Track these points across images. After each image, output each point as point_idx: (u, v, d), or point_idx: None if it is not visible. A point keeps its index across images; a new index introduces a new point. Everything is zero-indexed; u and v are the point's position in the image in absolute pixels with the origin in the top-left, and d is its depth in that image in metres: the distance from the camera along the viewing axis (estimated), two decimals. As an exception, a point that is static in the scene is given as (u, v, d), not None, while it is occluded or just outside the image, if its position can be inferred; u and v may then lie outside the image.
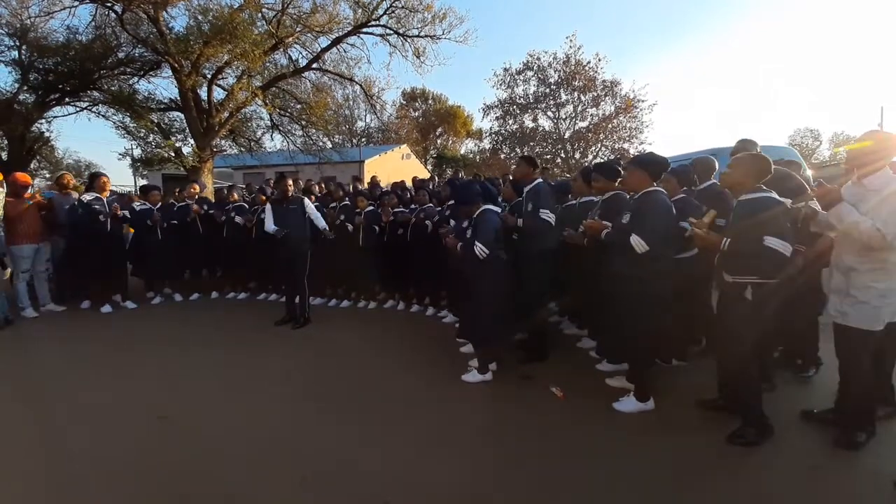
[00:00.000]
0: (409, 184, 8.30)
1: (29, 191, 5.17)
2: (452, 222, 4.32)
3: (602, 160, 23.04)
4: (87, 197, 5.10)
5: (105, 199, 5.23)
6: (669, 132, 64.61)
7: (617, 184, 3.27)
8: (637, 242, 2.55)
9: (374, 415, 2.82)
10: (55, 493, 2.10)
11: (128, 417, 2.78)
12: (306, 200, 4.71)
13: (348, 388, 3.21)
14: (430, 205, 5.16)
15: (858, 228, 2.09)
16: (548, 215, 3.37)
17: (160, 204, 5.76)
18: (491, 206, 3.28)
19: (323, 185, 7.19)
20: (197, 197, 6.19)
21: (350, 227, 5.13)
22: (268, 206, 4.72)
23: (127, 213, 5.48)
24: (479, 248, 3.05)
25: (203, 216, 5.80)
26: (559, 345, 3.91)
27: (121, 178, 24.82)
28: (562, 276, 3.68)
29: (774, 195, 2.28)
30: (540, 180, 3.57)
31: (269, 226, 4.57)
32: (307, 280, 4.72)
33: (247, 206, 5.86)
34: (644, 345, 2.74)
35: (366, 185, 7.67)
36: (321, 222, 4.74)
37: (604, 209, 3.27)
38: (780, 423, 2.42)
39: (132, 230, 5.84)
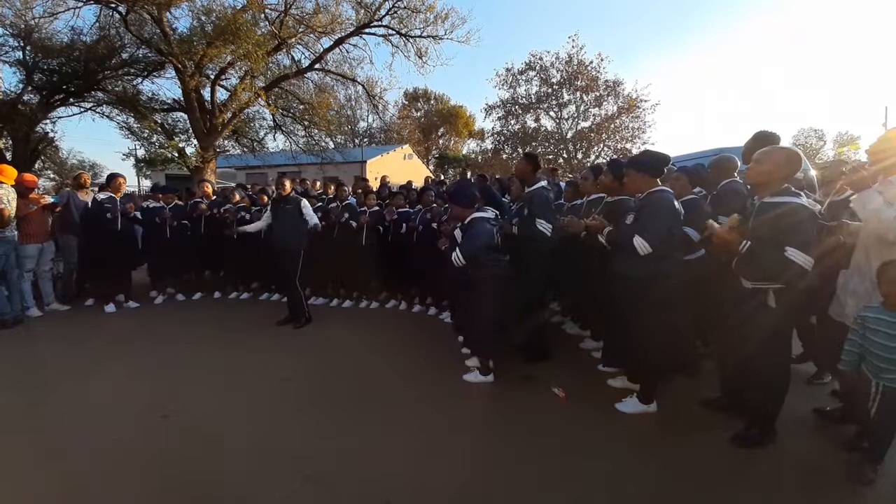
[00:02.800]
0: (416, 184, 8.32)
1: (34, 192, 5.22)
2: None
3: (606, 160, 23.07)
4: (100, 196, 5.22)
5: (117, 199, 5.30)
6: (672, 132, 64.41)
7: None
8: (640, 244, 2.50)
9: (375, 414, 2.82)
10: (56, 492, 2.10)
11: (130, 416, 2.78)
12: (303, 201, 4.72)
13: (349, 388, 3.21)
14: (435, 205, 5.16)
15: (879, 216, 2.07)
16: (543, 226, 3.30)
17: (174, 203, 5.80)
18: (483, 215, 3.19)
19: (320, 185, 7.20)
20: (213, 198, 6.20)
21: (354, 224, 5.14)
22: (268, 211, 4.81)
23: (138, 213, 5.54)
24: (456, 256, 3.03)
25: (208, 216, 5.82)
26: (561, 345, 3.91)
27: (126, 177, 24.93)
28: (564, 277, 3.66)
29: (804, 200, 2.13)
30: (542, 184, 3.49)
31: (250, 227, 4.89)
32: (308, 279, 4.73)
33: (248, 214, 5.68)
34: (649, 349, 2.66)
35: (374, 186, 7.67)
36: (313, 220, 4.74)
37: (607, 211, 3.22)
38: (784, 425, 2.41)
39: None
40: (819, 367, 3.13)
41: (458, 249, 3.05)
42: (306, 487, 2.10)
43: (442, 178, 11.83)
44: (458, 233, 3.31)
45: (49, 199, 5.44)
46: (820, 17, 69.79)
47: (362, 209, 5.25)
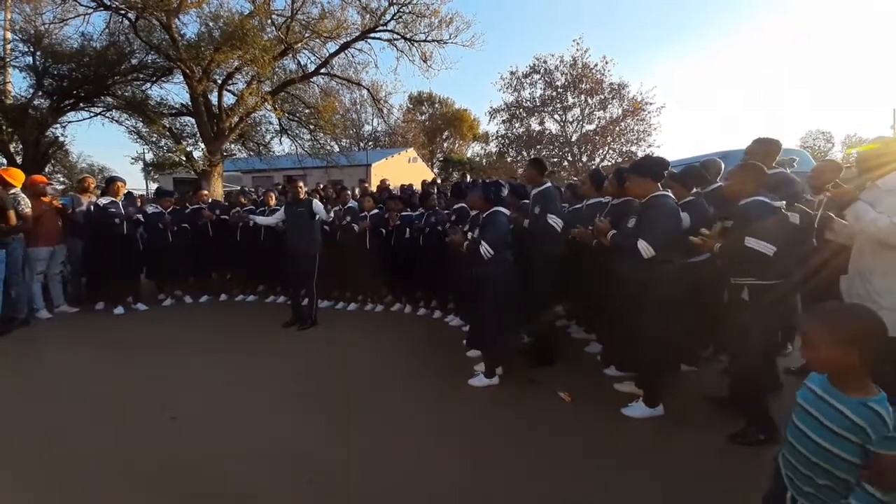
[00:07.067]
0: (416, 186, 8.37)
1: (47, 190, 5.31)
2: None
3: (611, 162, 23.05)
4: (102, 200, 5.27)
5: (120, 202, 5.37)
6: (679, 134, 64.21)
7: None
8: (644, 248, 2.53)
9: (379, 416, 2.83)
10: (59, 493, 2.12)
11: (137, 418, 2.81)
12: (314, 201, 4.76)
13: (354, 391, 3.23)
14: (437, 208, 5.18)
15: (877, 225, 2.07)
16: (555, 220, 3.38)
17: (171, 208, 5.87)
18: (501, 209, 3.29)
19: (321, 189, 7.27)
20: (211, 201, 6.28)
21: (356, 227, 5.17)
22: (281, 211, 4.94)
23: (141, 216, 5.62)
24: (485, 248, 3.06)
25: (214, 220, 5.89)
26: (567, 349, 3.90)
27: (133, 181, 25.19)
28: (569, 280, 3.67)
29: (766, 199, 2.36)
30: (549, 184, 3.58)
31: (261, 219, 5.09)
32: (317, 282, 4.77)
33: (254, 208, 5.91)
34: (652, 352, 2.69)
35: (374, 189, 7.75)
36: (323, 214, 4.81)
37: (613, 213, 3.25)
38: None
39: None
40: None
41: (483, 241, 3.08)
42: (308, 491, 2.11)
43: (437, 180, 11.94)
44: (469, 235, 3.37)
45: (60, 202, 5.52)
46: (827, 18, 69.44)
47: (363, 214, 5.28)
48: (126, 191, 5.90)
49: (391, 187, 7.78)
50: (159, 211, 5.79)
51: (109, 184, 5.47)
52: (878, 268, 2.17)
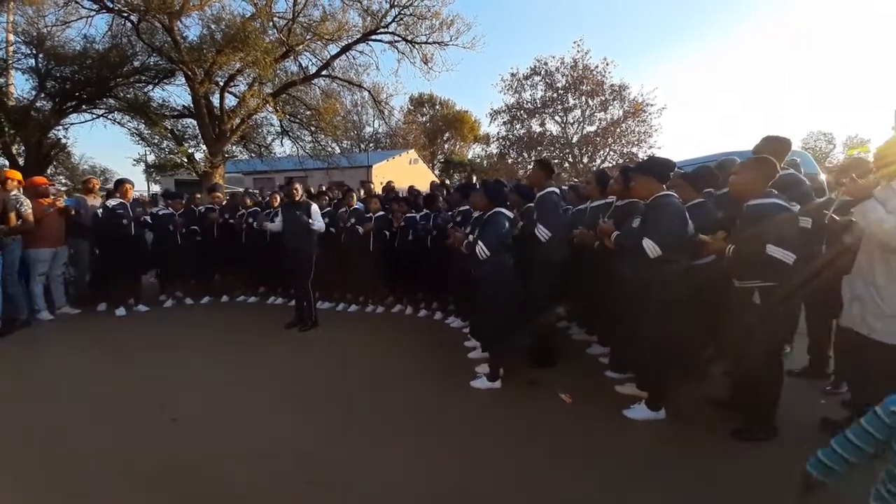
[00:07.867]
0: (418, 188, 8.37)
1: (49, 191, 5.33)
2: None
3: (612, 163, 23.03)
4: (111, 202, 5.32)
5: (128, 204, 5.40)
6: (680, 136, 64.14)
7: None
8: (650, 247, 2.52)
9: (380, 418, 2.83)
10: (59, 493, 2.12)
11: (137, 418, 2.81)
12: (314, 206, 4.76)
13: (355, 391, 3.23)
14: (441, 210, 5.19)
15: (881, 226, 2.05)
16: (541, 231, 3.34)
17: (182, 210, 5.90)
18: (503, 210, 3.29)
19: (326, 190, 7.28)
20: (224, 203, 6.34)
21: (360, 229, 5.17)
22: (280, 212, 4.94)
23: (148, 218, 5.66)
24: (480, 248, 3.06)
25: (220, 223, 5.93)
26: (567, 350, 3.89)
27: (135, 183, 25.21)
28: (570, 281, 3.66)
29: (782, 201, 2.29)
30: (551, 189, 3.53)
31: (271, 225, 5.03)
32: (317, 283, 4.76)
33: (260, 209, 5.91)
34: (654, 353, 2.67)
35: (379, 191, 7.76)
36: (318, 224, 4.76)
37: (617, 214, 3.21)
38: (789, 428, 2.39)
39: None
40: (835, 377, 3.05)
41: (480, 242, 3.08)
42: (308, 491, 2.10)
43: (446, 182, 11.96)
44: (470, 236, 3.39)
45: (63, 201, 5.54)
46: (827, 19, 69.39)
47: (368, 215, 5.29)
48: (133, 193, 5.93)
49: (395, 188, 7.79)
50: (170, 212, 5.83)
51: (118, 186, 5.53)
52: (885, 272, 2.13)
